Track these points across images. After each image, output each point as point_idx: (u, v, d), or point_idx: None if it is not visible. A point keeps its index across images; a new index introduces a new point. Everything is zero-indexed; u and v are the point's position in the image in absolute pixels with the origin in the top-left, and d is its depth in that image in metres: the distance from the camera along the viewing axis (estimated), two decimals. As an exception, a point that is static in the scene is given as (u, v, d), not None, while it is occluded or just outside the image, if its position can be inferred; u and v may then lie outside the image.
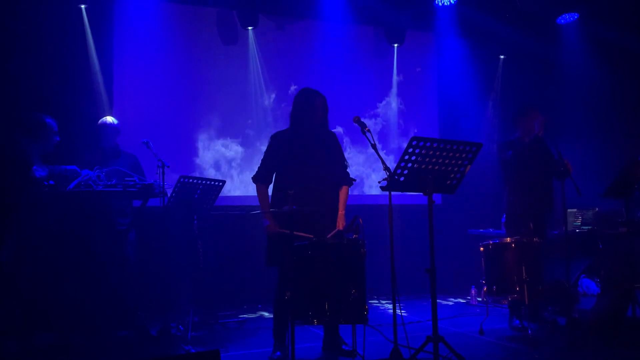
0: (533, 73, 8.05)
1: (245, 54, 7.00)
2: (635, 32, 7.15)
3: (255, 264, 5.98)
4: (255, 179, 4.39)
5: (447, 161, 3.64)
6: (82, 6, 6.15)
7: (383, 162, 3.84)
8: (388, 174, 3.70)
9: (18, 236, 4.44)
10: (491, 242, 4.97)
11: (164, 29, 6.53)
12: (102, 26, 6.32)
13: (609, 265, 5.35)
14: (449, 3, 7.25)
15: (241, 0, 6.76)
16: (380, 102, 7.73)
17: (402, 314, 5.88)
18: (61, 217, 4.52)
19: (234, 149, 6.93)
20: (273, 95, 7.11)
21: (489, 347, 4.62)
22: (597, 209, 6.46)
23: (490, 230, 6.82)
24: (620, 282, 4.91)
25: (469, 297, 6.62)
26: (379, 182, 3.79)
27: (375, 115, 7.69)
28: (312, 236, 3.98)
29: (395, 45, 7.67)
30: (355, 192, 7.21)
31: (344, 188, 4.40)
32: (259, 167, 4.41)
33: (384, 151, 7.61)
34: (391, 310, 3.90)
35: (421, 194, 3.71)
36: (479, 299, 6.31)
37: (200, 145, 6.77)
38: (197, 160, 6.75)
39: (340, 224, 4.28)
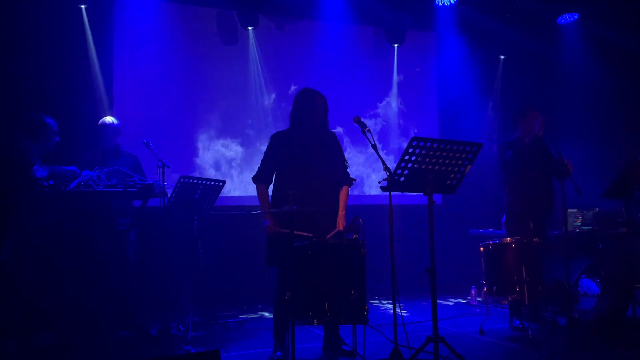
0: (533, 73, 8.05)
1: (245, 54, 7.00)
2: (635, 32, 7.15)
3: (255, 264, 5.97)
4: (255, 179, 4.39)
5: (447, 161, 3.64)
6: (82, 6, 6.15)
7: (383, 162, 3.84)
8: (388, 174, 3.70)
9: (18, 236, 4.44)
10: (491, 242, 4.97)
11: (164, 29, 6.53)
12: (102, 26, 6.32)
13: (609, 266, 5.35)
14: (449, 3, 7.26)
15: (241, 0, 6.76)
16: (381, 102, 7.73)
17: (403, 314, 5.89)
18: (61, 217, 4.52)
19: (234, 149, 6.93)
20: (273, 95, 7.11)
21: (489, 348, 4.62)
22: (597, 209, 6.45)
23: (491, 230, 6.82)
24: (620, 282, 4.91)
25: (469, 298, 6.62)
26: (379, 182, 3.79)
27: (376, 115, 7.69)
28: (311, 234, 3.98)
29: (396, 45, 7.67)
30: (356, 192, 7.21)
31: (344, 188, 4.40)
32: (259, 168, 4.41)
33: (384, 151, 7.61)
34: (392, 311, 3.90)
35: (421, 194, 3.71)
36: (479, 299, 6.30)
37: (200, 145, 6.77)
38: (197, 160, 6.75)
39: (340, 224, 4.28)
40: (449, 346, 3.63)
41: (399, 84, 7.79)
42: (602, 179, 5.08)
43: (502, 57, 8.26)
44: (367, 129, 3.99)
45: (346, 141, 7.33)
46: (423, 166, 3.60)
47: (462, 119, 7.92)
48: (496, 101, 8.25)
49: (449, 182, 3.75)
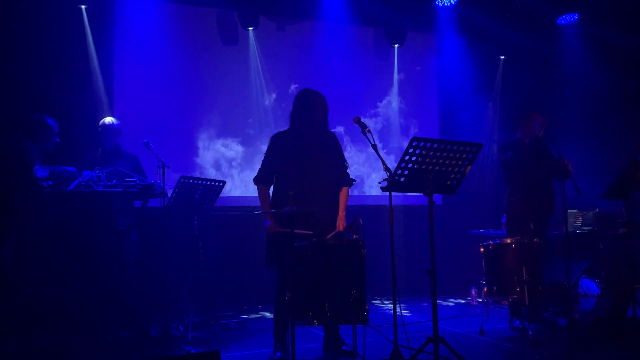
0: (533, 73, 8.05)
1: (245, 54, 7.01)
2: (635, 32, 7.15)
3: (255, 264, 5.97)
4: (256, 180, 4.39)
5: (447, 162, 3.63)
6: (82, 6, 6.15)
7: (383, 163, 3.84)
8: (388, 174, 3.70)
9: (18, 236, 4.44)
10: (491, 242, 4.96)
11: (164, 29, 6.53)
12: (102, 26, 6.31)
13: (609, 266, 5.35)
14: (449, 4, 7.27)
15: (242, 0, 6.76)
16: (381, 102, 7.73)
17: (406, 314, 5.89)
18: (61, 217, 4.52)
19: (234, 149, 6.94)
20: (274, 95, 7.11)
21: (489, 348, 4.62)
22: (597, 209, 6.46)
23: (491, 230, 6.82)
24: (620, 283, 4.91)
25: (470, 298, 6.62)
26: (379, 183, 3.79)
27: (376, 115, 7.69)
28: (311, 232, 3.99)
29: (396, 46, 7.67)
30: (356, 192, 7.21)
31: (344, 189, 4.40)
32: (259, 169, 4.40)
33: (385, 150, 7.62)
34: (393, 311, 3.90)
35: (422, 194, 3.71)
36: (480, 300, 6.30)
37: (200, 144, 6.77)
38: (198, 160, 6.76)
39: (341, 225, 4.28)
40: (449, 346, 3.63)
41: (400, 84, 7.79)
42: (602, 180, 5.07)
43: (502, 57, 8.26)
44: (367, 129, 3.99)
45: (346, 140, 7.33)
46: (423, 166, 3.60)
47: (462, 119, 7.93)
48: (496, 101, 8.26)
49: (449, 182, 3.75)
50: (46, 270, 4.49)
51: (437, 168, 3.63)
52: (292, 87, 7.11)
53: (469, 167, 3.71)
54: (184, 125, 6.69)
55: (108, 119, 5.30)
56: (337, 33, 7.32)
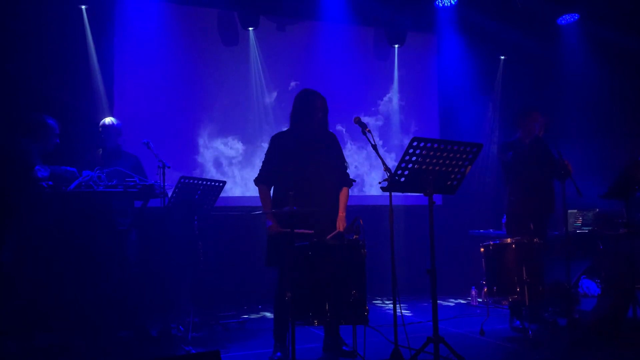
0: (533, 73, 8.05)
1: (246, 54, 7.01)
2: (635, 32, 7.15)
3: (255, 264, 5.97)
4: (257, 181, 4.38)
5: (447, 162, 3.63)
6: (83, 6, 6.16)
7: (384, 163, 3.84)
8: (388, 174, 3.70)
9: (18, 236, 4.44)
10: (492, 242, 4.96)
11: (164, 29, 6.54)
12: (102, 27, 6.32)
13: (610, 266, 5.35)
14: (449, 4, 7.27)
15: (242, 1, 6.76)
16: (381, 101, 7.73)
17: (407, 314, 5.89)
18: (62, 217, 4.52)
19: (234, 147, 6.94)
20: (274, 94, 7.11)
21: (489, 348, 4.61)
22: (597, 209, 6.46)
23: (491, 230, 6.82)
24: (620, 283, 4.91)
25: (470, 298, 6.62)
26: (380, 183, 3.79)
27: (376, 113, 7.69)
28: (312, 232, 3.98)
29: (396, 46, 7.67)
30: (356, 193, 7.21)
31: (344, 189, 4.40)
32: (260, 169, 4.40)
33: (385, 148, 7.63)
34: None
35: (422, 194, 3.71)
36: (480, 300, 6.31)
37: (201, 143, 6.78)
38: (199, 159, 6.76)
39: (341, 225, 4.27)
40: (450, 347, 3.63)
41: (400, 84, 7.79)
42: (603, 180, 5.08)
43: (502, 57, 8.26)
44: (367, 129, 3.99)
45: (346, 139, 7.33)
46: (423, 167, 3.60)
47: (462, 119, 7.93)
48: (496, 101, 8.26)
49: (449, 182, 3.75)
50: (46, 270, 4.49)
51: (437, 168, 3.63)
52: (292, 83, 7.11)
53: (469, 168, 3.71)
54: (184, 125, 6.69)
55: (108, 119, 5.30)
56: (337, 33, 7.32)
